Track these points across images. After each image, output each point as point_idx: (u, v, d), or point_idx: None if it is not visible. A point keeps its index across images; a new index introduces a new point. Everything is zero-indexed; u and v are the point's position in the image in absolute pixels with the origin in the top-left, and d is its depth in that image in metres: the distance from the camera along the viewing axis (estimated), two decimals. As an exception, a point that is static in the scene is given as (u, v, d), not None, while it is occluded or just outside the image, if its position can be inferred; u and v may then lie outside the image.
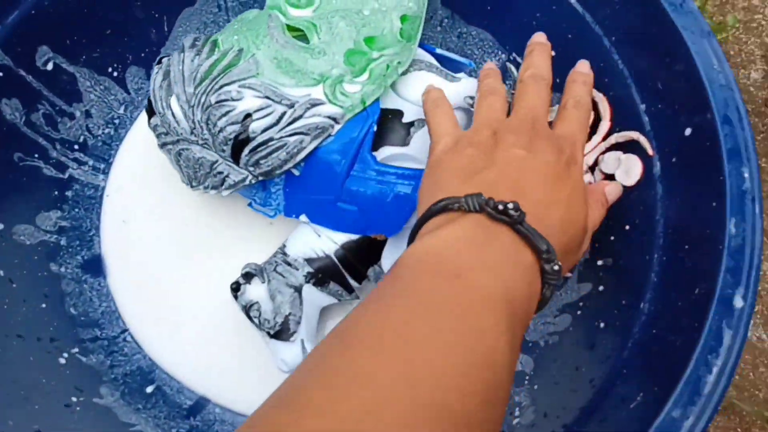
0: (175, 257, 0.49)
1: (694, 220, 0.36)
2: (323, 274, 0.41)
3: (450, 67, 0.52)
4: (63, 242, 0.47)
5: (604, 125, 0.43)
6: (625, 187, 0.41)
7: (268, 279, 0.41)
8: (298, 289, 0.41)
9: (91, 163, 0.50)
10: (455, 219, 0.27)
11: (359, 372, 0.19)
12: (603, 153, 0.42)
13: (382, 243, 0.42)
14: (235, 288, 0.41)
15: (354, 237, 0.41)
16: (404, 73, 0.46)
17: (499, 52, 0.54)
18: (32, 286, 0.42)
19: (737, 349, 0.30)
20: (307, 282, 0.41)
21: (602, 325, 0.39)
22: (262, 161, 0.39)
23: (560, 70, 0.49)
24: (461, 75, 0.49)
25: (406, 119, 0.43)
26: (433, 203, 0.28)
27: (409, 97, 0.44)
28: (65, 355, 0.41)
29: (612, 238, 0.42)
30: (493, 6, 0.51)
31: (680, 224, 0.37)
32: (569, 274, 0.44)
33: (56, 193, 0.47)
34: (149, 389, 0.44)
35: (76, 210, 0.49)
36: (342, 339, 0.22)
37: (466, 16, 0.54)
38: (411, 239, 0.29)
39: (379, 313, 0.22)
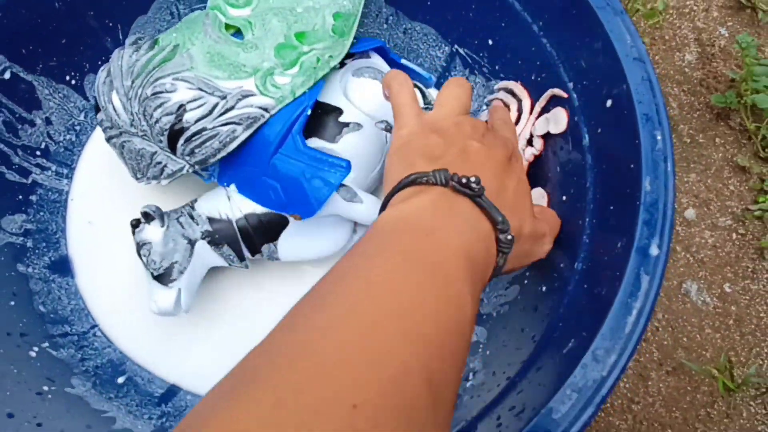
0: (140, 254, 0.50)
1: (616, 183, 0.39)
2: (220, 236, 0.44)
3: (412, 78, 0.55)
4: (29, 244, 0.48)
5: (526, 103, 0.46)
6: (555, 135, 0.45)
7: (167, 225, 0.43)
8: (192, 243, 0.43)
9: (54, 168, 0.52)
10: (423, 191, 0.30)
11: (353, 303, 0.23)
12: (533, 124, 0.46)
13: (283, 226, 0.44)
14: (135, 224, 0.44)
15: (259, 211, 0.43)
16: (358, 76, 0.48)
17: (443, 45, 0.57)
18: (0, 285, 0.44)
19: (654, 293, 0.32)
20: (203, 239, 0.43)
21: (544, 288, 0.42)
22: (196, 150, 0.41)
23: (498, 56, 0.52)
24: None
25: (342, 119, 0.45)
26: (404, 177, 0.32)
27: (353, 99, 0.47)
28: (35, 348, 0.43)
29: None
30: (433, 1, 0.54)
31: (606, 188, 0.40)
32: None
33: (20, 197, 0.49)
34: (120, 380, 0.46)
35: (42, 213, 0.50)
36: (334, 280, 0.25)
37: (410, 12, 0.57)
38: (381, 210, 0.33)
39: (365, 263, 0.26)
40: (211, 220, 0.44)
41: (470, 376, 0.42)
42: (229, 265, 0.45)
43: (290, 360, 0.20)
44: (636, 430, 0.54)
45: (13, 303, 0.44)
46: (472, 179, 0.29)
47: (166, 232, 0.43)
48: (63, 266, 0.50)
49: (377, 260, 0.25)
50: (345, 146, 0.44)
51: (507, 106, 0.48)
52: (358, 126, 0.45)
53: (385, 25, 0.58)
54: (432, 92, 0.49)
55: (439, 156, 0.33)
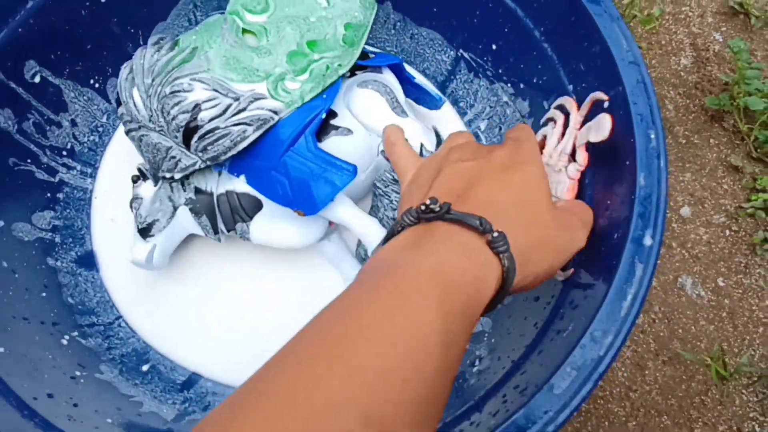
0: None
1: (613, 179, 0.41)
2: (201, 205, 0.47)
3: (423, 98, 0.57)
4: (57, 239, 0.51)
5: (573, 117, 0.44)
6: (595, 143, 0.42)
7: (159, 186, 0.47)
8: (176, 207, 0.47)
9: (79, 168, 0.55)
10: (398, 235, 0.30)
11: (290, 352, 0.24)
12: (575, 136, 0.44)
13: (257, 208, 0.47)
14: (134, 180, 0.48)
15: (238, 191, 0.46)
16: (362, 87, 0.50)
17: (449, 50, 0.59)
18: (32, 278, 0.46)
19: (648, 280, 0.35)
20: (186, 205, 0.47)
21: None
22: (209, 147, 0.44)
23: (502, 60, 0.55)
24: (414, 113, 0.54)
25: (335, 122, 0.47)
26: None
27: (352, 108, 0.49)
28: (66, 337, 0.45)
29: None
30: (439, 8, 0.57)
31: (604, 184, 0.42)
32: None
33: (48, 195, 0.51)
34: (145, 368, 0.48)
35: (68, 210, 0.53)
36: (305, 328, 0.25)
37: (417, 18, 0.59)
38: None
39: (320, 314, 0.25)
40: (197, 190, 0.47)
41: (476, 362, 0.45)
42: (205, 235, 0.48)
43: (227, 415, 0.21)
44: (634, 417, 0.57)
45: (44, 294, 0.47)
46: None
47: (156, 192, 0.47)
48: (88, 261, 0.52)
49: (327, 311, 0.25)
50: (328, 147, 0.46)
51: (554, 121, 0.46)
52: (348, 131, 0.47)
53: (393, 31, 0.61)
54: (411, 123, 0.51)
55: (426, 191, 0.33)
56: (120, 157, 0.57)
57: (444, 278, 0.25)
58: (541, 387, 0.32)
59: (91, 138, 0.56)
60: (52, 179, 0.52)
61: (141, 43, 0.57)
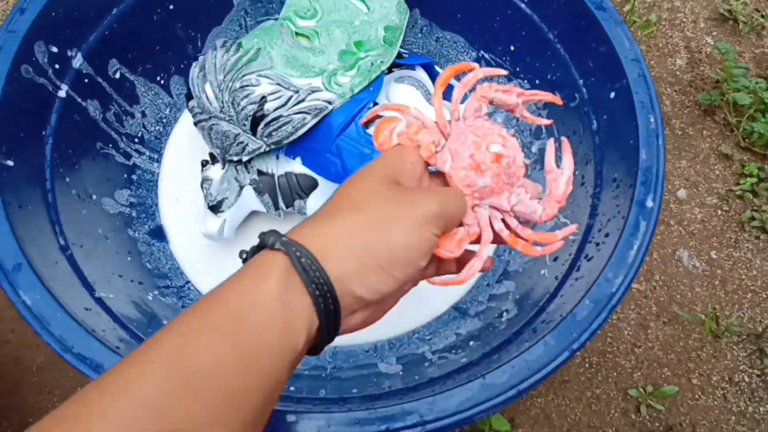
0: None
1: (619, 155, 0.49)
2: (263, 185, 0.54)
3: (449, 94, 0.64)
4: (134, 214, 0.58)
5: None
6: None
7: (226, 169, 0.54)
8: (242, 186, 0.54)
9: (147, 153, 0.62)
10: None
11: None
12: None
13: (313, 187, 0.54)
14: (204, 164, 0.55)
15: (296, 171, 0.53)
16: (399, 82, 0.58)
17: (470, 51, 0.67)
18: (119, 244, 0.54)
19: (650, 234, 0.42)
20: (250, 185, 0.54)
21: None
22: (273, 133, 0.51)
23: (519, 59, 0.62)
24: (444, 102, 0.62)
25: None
26: None
27: (392, 99, 0.57)
28: (150, 294, 0.52)
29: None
30: (462, 14, 0.65)
31: (611, 160, 0.50)
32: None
33: (125, 175, 0.59)
34: (213, 324, 0.55)
35: (141, 190, 0.60)
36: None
37: (442, 23, 0.67)
38: None
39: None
40: (259, 172, 0.54)
41: (504, 314, 0.52)
42: (267, 211, 0.56)
43: None
44: (638, 369, 0.64)
45: (129, 259, 0.54)
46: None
47: (224, 174, 0.54)
48: (159, 233, 0.60)
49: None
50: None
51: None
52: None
53: (419, 34, 0.69)
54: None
55: None
56: (180, 145, 0.64)
57: (226, 297, 0.25)
58: (566, 317, 0.39)
59: (157, 128, 0.63)
60: (127, 162, 0.60)
61: (199, 45, 0.65)
